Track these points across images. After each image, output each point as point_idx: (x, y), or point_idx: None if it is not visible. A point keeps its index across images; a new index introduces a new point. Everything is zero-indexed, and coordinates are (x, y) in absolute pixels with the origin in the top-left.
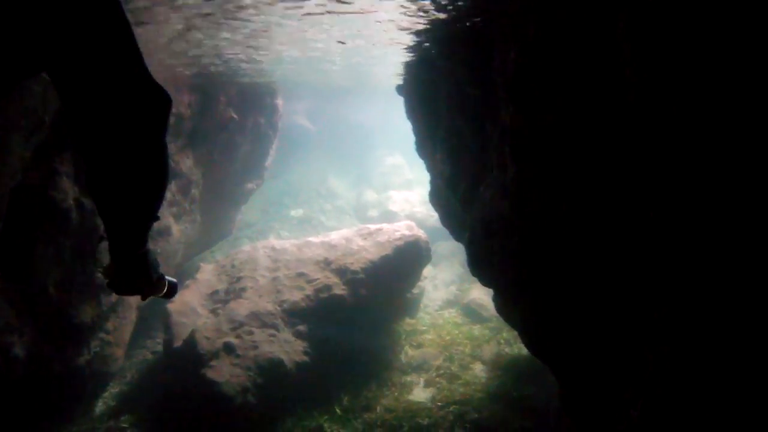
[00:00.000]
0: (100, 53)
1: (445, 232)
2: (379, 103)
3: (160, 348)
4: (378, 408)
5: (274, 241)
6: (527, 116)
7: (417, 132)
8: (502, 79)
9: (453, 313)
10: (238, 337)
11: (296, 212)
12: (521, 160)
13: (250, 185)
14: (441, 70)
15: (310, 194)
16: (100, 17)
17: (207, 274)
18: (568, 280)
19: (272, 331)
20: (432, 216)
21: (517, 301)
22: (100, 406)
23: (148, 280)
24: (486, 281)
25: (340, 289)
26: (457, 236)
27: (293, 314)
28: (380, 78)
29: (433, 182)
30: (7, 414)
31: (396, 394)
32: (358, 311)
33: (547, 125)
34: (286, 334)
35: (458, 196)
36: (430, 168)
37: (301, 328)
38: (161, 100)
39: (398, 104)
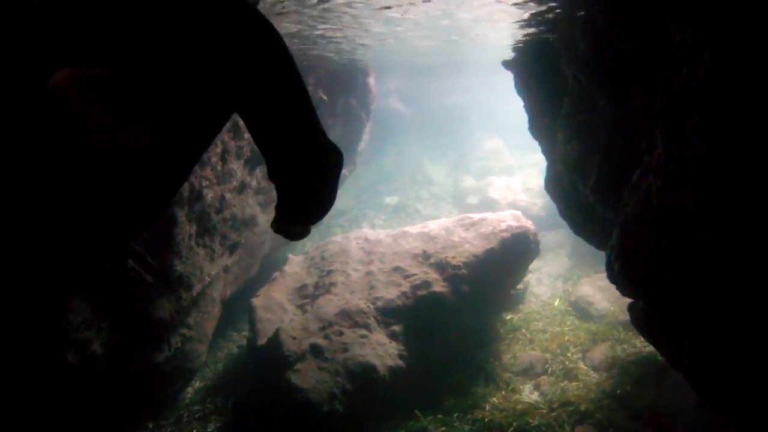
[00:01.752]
0: (292, 124)
1: (551, 221)
2: (477, 84)
3: (245, 342)
4: (487, 407)
5: (367, 231)
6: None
7: (531, 109)
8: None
9: (560, 309)
10: (326, 337)
11: (391, 199)
12: (720, 131)
13: (342, 171)
14: (567, 28)
15: (405, 180)
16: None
17: (295, 267)
18: None
19: (364, 332)
20: (535, 204)
21: (692, 325)
22: (182, 404)
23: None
24: (637, 294)
25: (439, 286)
26: (582, 230)
27: (387, 313)
28: (479, 55)
29: (551, 167)
30: (89, 412)
31: (504, 393)
32: (459, 310)
33: None
34: (380, 335)
35: (590, 184)
36: (548, 151)
37: (396, 328)
38: (337, 155)
39: (497, 84)
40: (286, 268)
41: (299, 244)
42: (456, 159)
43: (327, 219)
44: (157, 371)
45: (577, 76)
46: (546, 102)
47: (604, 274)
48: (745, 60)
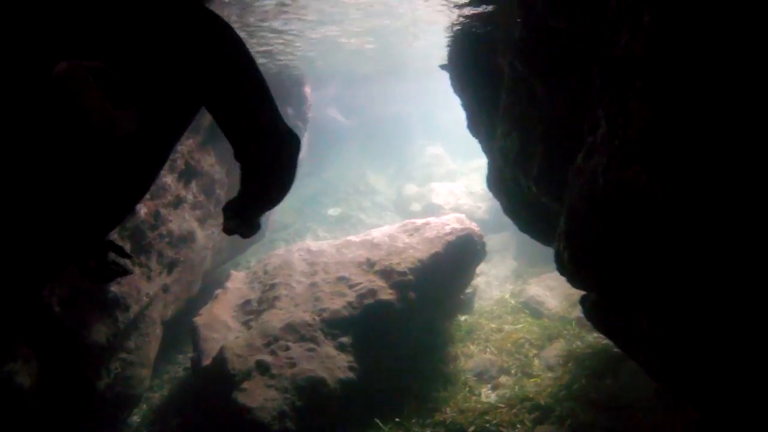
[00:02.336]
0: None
1: (496, 223)
2: (418, 92)
3: (190, 363)
4: (447, 410)
5: (310, 243)
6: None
7: (469, 107)
8: None
9: (512, 308)
10: (272, 353)
11: (334, 211)
12: (668, 96)
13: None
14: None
15: (348, 191)
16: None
17: (238, 283)
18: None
19: (311, 345)
20: (479, 207)
21: (652, 311)
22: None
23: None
24: (589, 283)
25: (386, 294)
26: (528, 227)
27: (334, 324)
28: (418, 61)
29: (491, 164)
30: None
31: (463, 394)
32: (408, 316)
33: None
34: (328, 348)
35: (532, 175)
36: (488, 148)
37: (344, 339)
38: (295, 138)
39: (438, 91)
40: (229, 284)
41: (242, 259)
42: (398, 167)
43: (270, 233)
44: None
45: (514, 64)
46: (483, 97)
47: (552, 274)
48: (688, 18)
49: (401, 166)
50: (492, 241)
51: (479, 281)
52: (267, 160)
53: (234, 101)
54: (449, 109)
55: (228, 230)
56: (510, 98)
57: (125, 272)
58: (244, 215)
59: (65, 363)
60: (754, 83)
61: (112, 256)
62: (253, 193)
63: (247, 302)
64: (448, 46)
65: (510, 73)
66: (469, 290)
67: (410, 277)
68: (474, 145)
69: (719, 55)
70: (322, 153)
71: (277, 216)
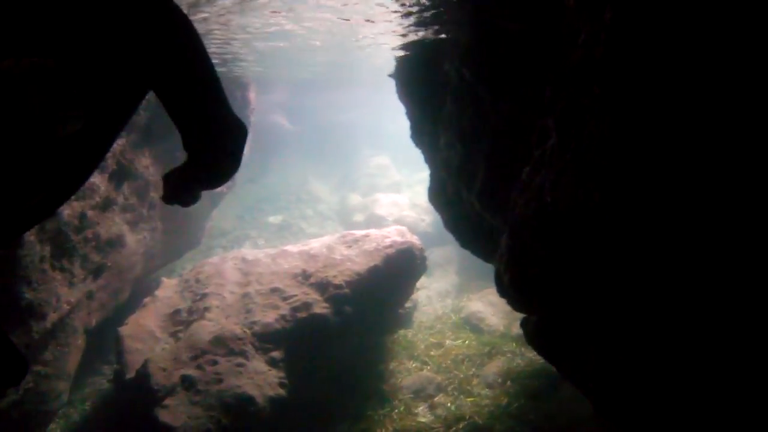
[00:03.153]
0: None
1: (439, 237)
2: (365, 100)
3: (111, 377)
4: (382, 430)
5: (245, 251)
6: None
7: (412, 115)
8: None
9: (452, 323)
10: (199, 368)
11: (275, 218)
12: (629, 103)
13: (220, 188)
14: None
15: (290, 199)
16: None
17: (168, 291)
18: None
19: (240, 360)
20: (423, 220)
21: (601, 340)
22: None
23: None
24: (530, 307)
25: (321, 308)
26: (469, 243)
27: (266, 338)
28: (365, 70)
29: (434, 176)
30: None
31: (398, 413)
32: (344, 331)
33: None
34: (258, 363)
35: (475, 190)
36: (431, 159)
37: (276, 354)
38: (242, 126)
39: (385, 100)
40: (159, 292)
41: (178, 265)
42: (342, 176)
43: (207, 239)
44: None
45: (461, 72)
46: (427, 106)
47: (494, 289)
48: (656, 14)
49: (346, 175)
50: (434, 255)
51: (420, 295)
52: (213, 147)
53: (185, 84)
54: (397, 120)
55: (166, 198)
56: (455, 106)
57: None
58: (185, 189)
59: None
60: (734, 84)
61: None
62: (196, 176)
63: (177, 312)
64: (395, 51)
65: (456, 80)
66: (409, 304)
67: (347, 290)
68: (420, 157)
69: (692, 56)
70: (265, 159)
71: (216, 222)
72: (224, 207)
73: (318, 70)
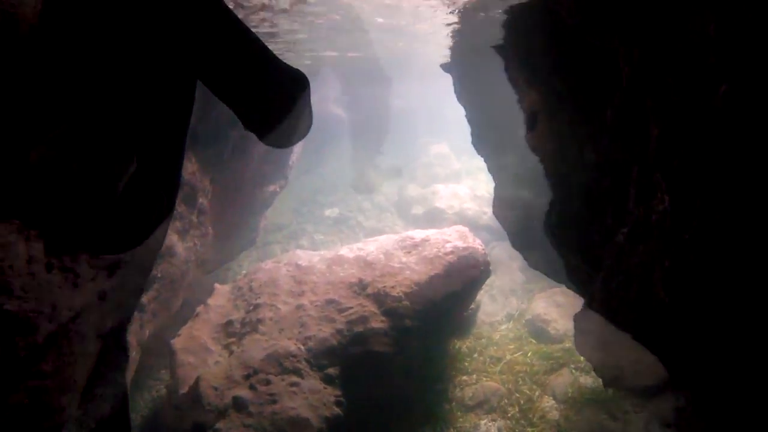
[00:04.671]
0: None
1: (502, 231)
2: (422, 86)
3: (164, 391)
4: None
5: (300, 254)
6: None
7: (476, 121)
8: None
9: (514, 332)
10: (251, 387)
11: (331, 211)
12: None
13: (272, 187)
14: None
15: (347, 190)
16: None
17: (221, 299)
18: None
19: (295, 379)
20: (485, 213)
21: None
22: None
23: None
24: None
25: (378, 321)
26: (541, 264)
27: (321, 354)
28: (423, 56)
29: (501, 189)
30: None
31: None
32: (402, 346)
33: None
34: (313, 381)
35: (551, 222)
36: (496, 167)
37: (332, 371)
38: (298, 81)
39: (444, 86)
40: (211, 301)
41: (235, 264)
42: (400, 166)
43: (264, 235)
44: None
45: (550, 82)
46: (493, 113)
47: (561, 288)
48: None
49: (404, 165)
50: (497, 251)
51: (482, 295)
52: (278, 120)
53: (226, 64)
54: (455, 104)
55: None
56: (545, 104)
57: None
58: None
59: None
60: None
61: None
62: (268, 135)
63: (230, 323)
64: (453, 43)
65: (541, 94)
66: (471, 306)
67: (406, 302)
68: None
69: None
70: (320, 148)
71: (271, 216)
72: (280, 200)
73: (375, 55)
